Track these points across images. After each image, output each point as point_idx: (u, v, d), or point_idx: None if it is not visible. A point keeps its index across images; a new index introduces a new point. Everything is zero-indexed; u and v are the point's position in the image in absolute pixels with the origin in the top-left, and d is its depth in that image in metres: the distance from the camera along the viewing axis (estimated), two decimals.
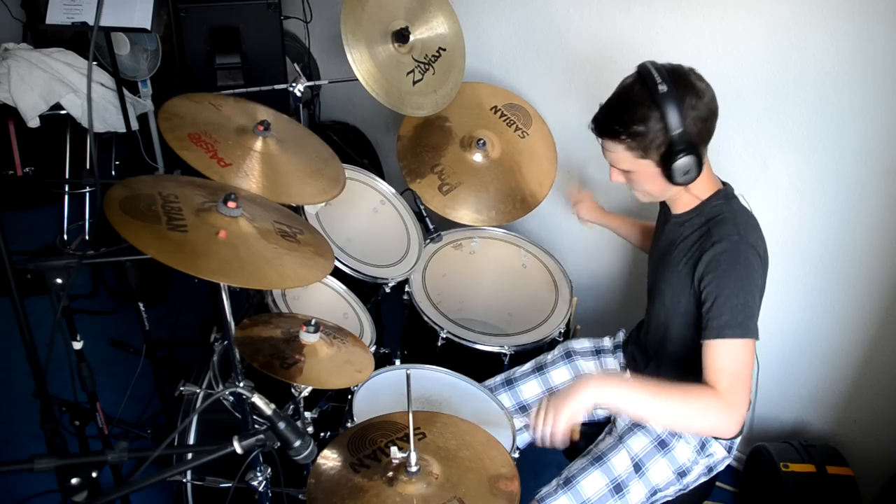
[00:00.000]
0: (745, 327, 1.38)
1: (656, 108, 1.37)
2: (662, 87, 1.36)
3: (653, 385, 1.39)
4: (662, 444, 1.61)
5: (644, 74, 1.40)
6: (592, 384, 1.37)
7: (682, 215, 1.55)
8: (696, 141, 1.40)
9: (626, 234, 2.03)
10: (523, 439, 1.85)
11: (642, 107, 1.39)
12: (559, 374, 1.83)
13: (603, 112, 1.46)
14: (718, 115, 1.43)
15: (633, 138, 1.41)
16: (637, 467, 1.59)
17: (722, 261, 1.41)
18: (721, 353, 1.39)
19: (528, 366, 1.88)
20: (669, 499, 1.62)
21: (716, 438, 1.60)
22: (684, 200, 1.54)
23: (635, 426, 1.67)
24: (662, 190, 1.50)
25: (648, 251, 1.76)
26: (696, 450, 1.60)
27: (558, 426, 1.36)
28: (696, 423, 1.42)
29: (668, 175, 1.42)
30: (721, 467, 1.64)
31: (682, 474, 1.60)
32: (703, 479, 1.63)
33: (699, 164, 1.41)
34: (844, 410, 2.09)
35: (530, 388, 1.83)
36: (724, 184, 1.56)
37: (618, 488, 1.56)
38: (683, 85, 1.39)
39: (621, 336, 1.88)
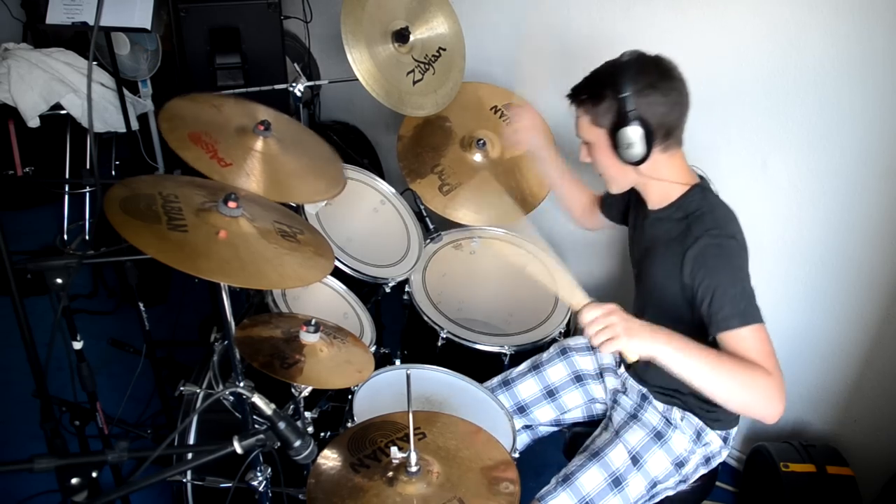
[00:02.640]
0: (748, 314, 1.38)
1: (612, 73, 1.43)
2: (625, 57, 1.44)
3: (709, 351, 1.34)
4: (658, 436, 1.62)
5: (622, 54, 1.46)
6: (659, 341, 1.32)
7: (660, 211, 1.55)
8: (649, 119, 1.41)
9: (561, 189, 1.98)
10: (523, 440, 1.86)
11: (605, 74, 1.47)
12: (555, 371, 1.83)
13: (580, 82, 1.53)
14: (688, 110, 1.46)
15: (591, 100, 1.47)
16: (635, 460, 1.59)
17: (707, 256, 1.42)
18: (744, 339, 1.37)
19: (524, 365, 1.88)
20: (670, 491, 1.62)
21: (721, 434, 1.61)
22: (657, 193, 1.54)
23: (631, 419, 1.67)
24: (620, 171, 1.52)
25: (629, 248, 1.74)
26: (692, 439, 1.61)
27: (604, 348, 1.33)
28: (744, 397, 1.35)
29: (617, 147, 1.45)
30: (719, 459, 1.65)
31: (679, 465, 1.61)
32: (702, 471, 1.64)
33: (648, 143, 1.43)
34: (844, 410, 2.09)
35: (527, 388, 1.83)
36: (700, 177, 1.56)
37: (616, 482, 1.57)
38: (648, 63, 1.44)
39: None
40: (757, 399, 1.33)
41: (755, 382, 1.32)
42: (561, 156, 2.00)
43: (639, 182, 1.55)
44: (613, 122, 1.44)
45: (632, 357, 1.35)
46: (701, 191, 1.52)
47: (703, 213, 1.47)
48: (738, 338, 1.38)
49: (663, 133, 1.44)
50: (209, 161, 1.38)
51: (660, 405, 1.66)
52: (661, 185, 1.52)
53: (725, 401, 1.36)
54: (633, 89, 1.40)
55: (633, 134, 1.42)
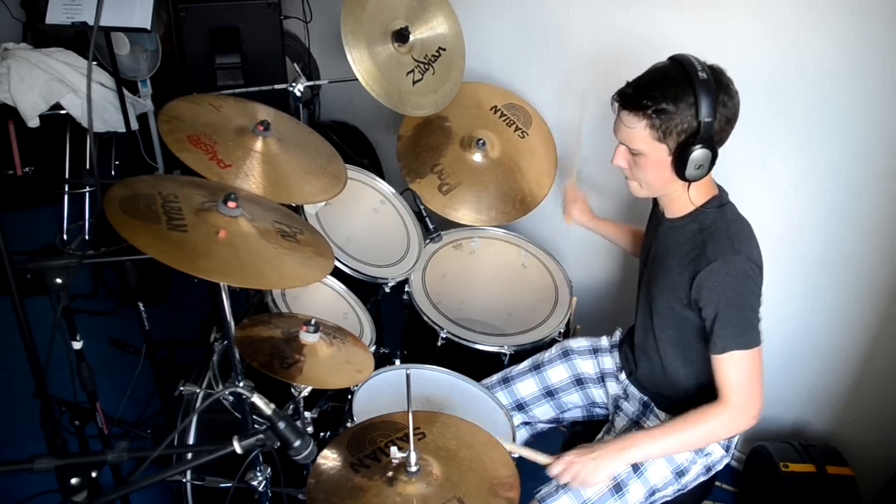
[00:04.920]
0: (748, 338, 1.42)
1: (692, 92, 1.36)
2: (703, 75, 1.36)
3: (662, 429, 1.51)
4: None
5: (682, 61, 1.40)
6: (612, 463, 1.50)
7: (677, 220, 1.54)
8: (716, 139, 1.40)
9: (617, 239, 2.01)
10: (521, 435, 1.85)
11: (678, 87, 1.37)
12: (556, 373, 1.83)
13: (633, 86, 1.43)
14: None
15: (658, 115, 1.38)
16: (636, 467, 1.59)
17: (719, 281, 1.42)
18: (729, 366, 1.44)
19: (524, 364, 1.88)
20: (668, 499, 1.62)
21: None
22: (679, 203, 1.52)
23: (634, 426, 1.68)
24: (664, 184, 1.48)
25: (641, 250, 1.75)
26: (693, 450, 1.60)
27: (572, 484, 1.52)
28: (714, 439, 1.57)
29: (680, 165, 1.41)
30: (719, 466, 1.65)
31: (680, 474, 1.60)
32: (701, 479, 1.64)
33: (712, 163, 1.41)
34: (844, 410, 2.09)
35: (527, 387, 1.82)
36: (719, 188, 1.55)
37: (617, 488, 1.56)
38: (720, 80, 1.39)
39: (618, 335, 1.88)
40: (720, 433, 1.52)
41: (712, 424, 1.48)
42: (558, 175, 2.04)
43: (668, 194, 1.53)
44: (681, 142, 1.40)
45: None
46: (719, 203, 1.51)
47: (718, 229, 1.46)
48: (725, 361, 1.44)
49: (719, 148, 1.43)
50: (208, 163, 1.38)
51: (662, 413, 1.66)
52: (685, 195, 1.50)
53: (701, 447, 1.60)
54: (712, 111, 1.36)
55: (704, 156, 1.39)
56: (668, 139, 1.40)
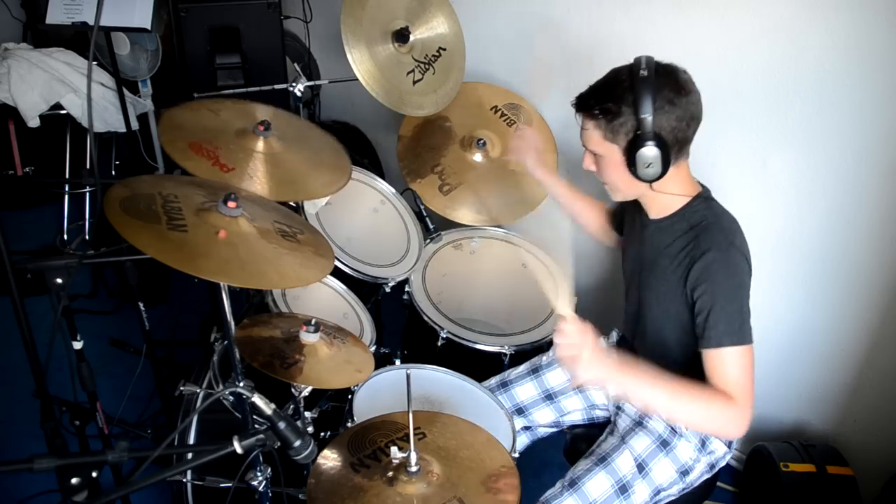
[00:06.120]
0: (742, 333, 1.40)
1: (632, 91, 1.38)
2: (643, 73, 1.38)
3: (669, 381, 1.40)
4: (664, 444, 1.61)
5: (634, 61, 1.41)
6: (613, 375, 1.39)
7: (663, 220, 1.53)
8: (666, 137, 1.39)
9: (567, 202, 1.92)
10: (522, 441, 1.85)
11: (620, 87, 1.40)
12: (555, 376, 1.82)
13: (589, 89, 1.47)
14: (701, 122, 1.43)
15: (604, 116, 1.41)
16: (640, 467, 1.58)
17: (714, 270, 1.41)
18: (725, 362, 1.41)
19: (523, 368, 1.87)
20: (673, 497, 1.62)
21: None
22: (660, 204, 1.52)
23: (637, 426, 1.67)
24: (629, 185, 1.48)
25: (623, 255, 1.73)
26: (697, 448, 1.60)
27: (565, 363, 1.40)
28: (705, 424, 1.47)
29: (632, 165, 1.41)
30: (722, 464, 1.65)
31: (684, 473, 1.60)
32: (705, 477, 1.63)
33: (665, 162, 1.40)
34: (844, 410, 2.08)
35: (526, 391, 1.82)
36: (702, 186, 1.55)
37: (623, 489, 1.56)
38: (666, 77, 1.39)
39: (615, 336, 1.87)
40: (716, 426, 1.44)
41: (714, 412, 1.38)
42: (563, 176, 1.95)
43: (645, 194, 1.52)
44: (630, 140, 1.40)
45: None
46: (704, 200, 1.50)
47: (709, 223, 1.45)
48: (722, 357, 1.41)
49: (677, 149, 1.42)
50: (211, 168, 1.38)
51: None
52: (665, 195, 1.49)
53: (686, 425, 1.54)
54: (651, 108, 1.36)
55: (651, 154, 1.39)
56: (618, 139, 1.42)
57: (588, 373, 1.37)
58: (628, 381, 1.41)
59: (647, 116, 1.36)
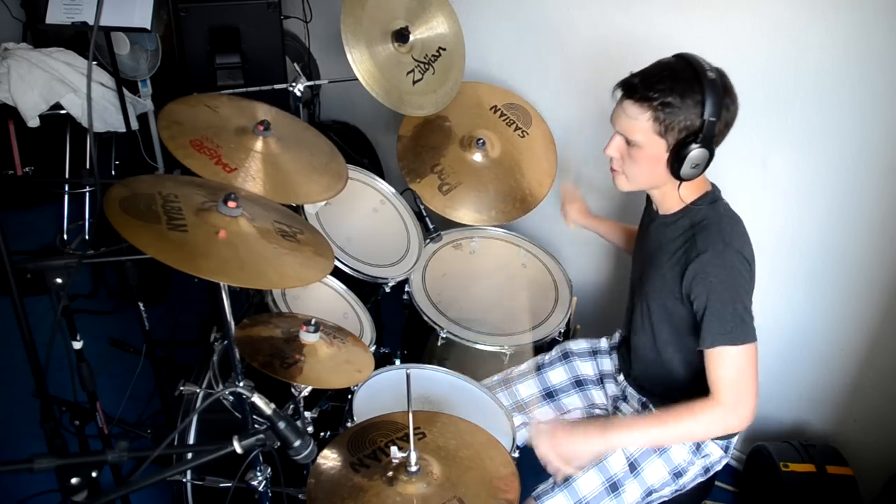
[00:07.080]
0: (738, 332, 1.40)
1: (699, 90, 1.35)
2: (711, 74, 1.36)
3: (653, 418, 1.51)
4: None
5: (690, 59, 1.39)
6: (600, 438, 1.46)
7: (669, 216, 1.53)
8: (715, 140, 1.40)
9: (613, 238, 2.01)
10: (523, 435, 1.85)
11: (686, 83, 1.36)
12: (556, 375, 1.83)
13: (640, 76, 1.42)
14: None
15: (664, 109, 1.37)
16: (632, 467, 1.59)
17: (709, 272, 1.41)
18: (719, 362, 1.42)
19: (525, 366, 1.88)
20: (666, 499, 1.62)
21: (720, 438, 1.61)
22: (671, 200, 1.52)
23: None
24: (655, 179, 1.48)
25: (633, 249, 1.75)
26: (691, 451, 1.60)
27: (553, 463, 1.46)
28: (702, 436, 1.53)
29: (676, 162, 1.40)
30: (718, 467, 1.64)
31: (677, 475, 1.60)
32: (700, 480, 1.63)
33: (707, 164, 1.41)
34: (844, 410, 2.09)
35: (527, 388, 1.83)
36: (712, 185, 1.55)
37: (613, 487, 1.56)
38: (726, 83, 1.40)
39: (617, 336, 1.88)
40: (713, 430, 1.48)
41: (703, 420, 1.43)
42: (563, 176, 2.05)
43: (660, 189, 1.52)
44: (684, 138, 1.39)
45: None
46: (711, 199, 1.50)
47: (709, 223, 1.45)
48: (717, 357, 1.42)
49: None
50: (214, 168, 1.38)
51: None
52: (676, 192, 1.49)
53: (691, 440, 1.57)
54: (717, 111, 1.35)
55: (701, 156, 1.39)
56: (669, 134, 1.40)
57: (581, 454, 1.47)
58: (617, 437, 1.48)
59: (712, 119, 1.36)
